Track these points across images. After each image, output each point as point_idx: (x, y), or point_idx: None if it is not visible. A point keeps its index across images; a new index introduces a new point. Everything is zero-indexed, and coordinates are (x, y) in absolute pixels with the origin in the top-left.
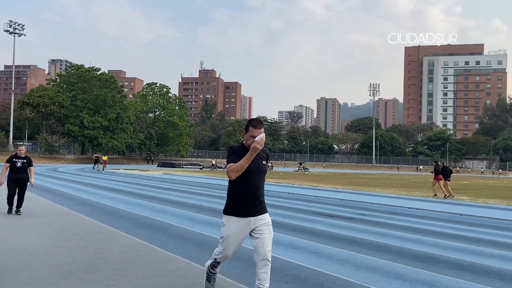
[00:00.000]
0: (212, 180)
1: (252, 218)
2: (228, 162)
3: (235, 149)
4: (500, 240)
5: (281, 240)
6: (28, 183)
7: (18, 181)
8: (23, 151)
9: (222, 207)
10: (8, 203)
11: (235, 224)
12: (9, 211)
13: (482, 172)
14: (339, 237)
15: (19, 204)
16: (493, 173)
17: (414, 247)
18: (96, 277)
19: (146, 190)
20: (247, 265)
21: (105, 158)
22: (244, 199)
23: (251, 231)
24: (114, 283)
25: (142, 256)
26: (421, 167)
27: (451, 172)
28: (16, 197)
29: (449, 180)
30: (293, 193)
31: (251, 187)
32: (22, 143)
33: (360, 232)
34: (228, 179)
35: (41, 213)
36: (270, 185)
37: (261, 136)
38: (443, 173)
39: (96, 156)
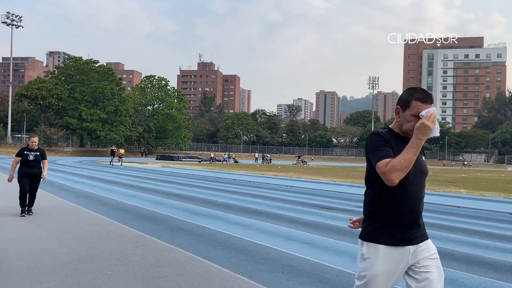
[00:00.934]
0: (210, 173)
1: (411, 248)
2: (377, 158)
3: (384, 136)
4: (495, 232)
5: (278, 232)
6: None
7: (30, 177)
8: (36, 143)
9: (220, 200)
10: (20, 203)
11: (385, 257)
12: (23, 213)
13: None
14: (336, 229)
15: (31, 203)
16: (463, 164)
17: None
18: (93, 266)
19: (144, 182)
20: (244, 256)
21: (122, 151)
22: (401, 217)
23: (408, 268)
24: (112, 272)
25: (139, 246)
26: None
27: None
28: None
29: None
30: (291, 186)
31: (410, 199)
32: (34, 134)
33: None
34: (368, 185)
35: (40, 204)
36: (268, 178)
37: (431, 110)
38: None
39: (111, 149)
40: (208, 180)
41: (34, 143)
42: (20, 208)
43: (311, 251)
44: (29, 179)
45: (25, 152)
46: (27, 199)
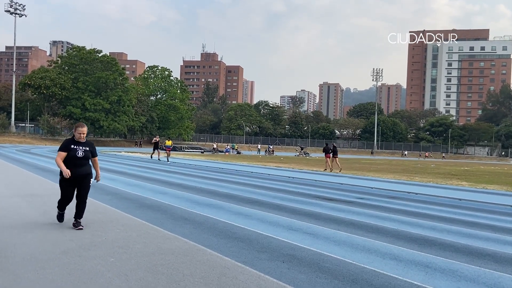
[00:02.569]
0: (213, 164)
1: None
2: None
3: None
4: (497, 224)
5: (279, 222)
6: (93, 179)
7: (78, 179)
8: (85, 135)
9: (222, 190)
10: (59, 206)
11: None
12: (60, 218)
13: (426, 155)
14: (337, 220)
15: (79, 214)
16: (420, 155)
17: (411, 230)
18: (96, 253)
19: (147, 172)
20: (245, 245)
21: (169, 142)
22: None
23: None
24: (114, 259)
25: (142, 235)
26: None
27: (337, 151)
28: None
29: (336, 157)
30: (293, 177)
31: None
32: (82, 122)
33: (358, 215)
34: None
35: (43, 193)
36: (270, 169)
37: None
38: (333, 152)
39: (155, 140)
40: (210, 171)
41: (82, 134)
42: (58, 212)
43: (312, 241)
44: (76, 182)
45: (73, 146)
46: (68, 203)
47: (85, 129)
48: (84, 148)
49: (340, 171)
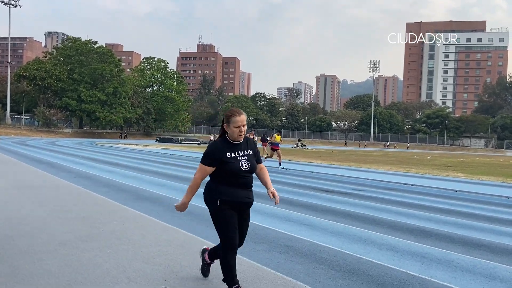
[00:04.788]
0: None
1: None
2: None
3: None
4: (492, 215)
5: (277, 213)
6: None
7: (242, 206)
8: (245, 127)
9: None
10: (225, 274)
11: None
12: (206, 271)
13: (387, 145)
14: (334, 211)
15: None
16: (385, 145)
17: (407, 221)
18: (93, 245)
19: (144, 164)
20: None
21: (278, 138)
22: None
23: None
24: (112, 251)
25: (139, 226)
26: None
27: (266, 140)
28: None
29: (265, 145)
30: (290, 169)
31: None
32: (240, 110)
33: (355, 207)
34: None
35: (41, 185)
36: (267, 161)
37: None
38: (262, 140)
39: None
40: None
41: (243, 127)
42: (204, 261)
43: (309, 232)
44: (236, 211)
45: (229, 155)
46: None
47: (244, 118)
48: (247, 153)
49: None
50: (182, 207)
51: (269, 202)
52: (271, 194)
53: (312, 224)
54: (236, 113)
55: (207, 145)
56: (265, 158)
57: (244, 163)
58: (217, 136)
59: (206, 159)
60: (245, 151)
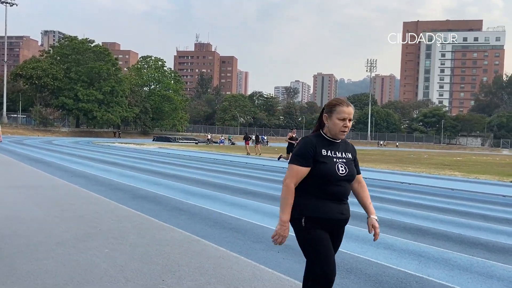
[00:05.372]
0: (207, 155)
1: None
2: None
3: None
4: (489, 214)
5: (275, 212)
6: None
7: (334, 225)
8: (351, 122)
9: (217, 181)
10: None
11: None
12: None
13: (381, 144)
14: None
15: None
16: (378, 144)
17: (404, 219)
18: (91, 245)
19: (141, 163)
20: (239, 235)
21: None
22: None
23: None
24: (109, 250)
25: (136, 225)
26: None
27: (259, 139)
28: None
29: (259, 144)
30: (287, 168)
31: None
32: (344, 99)
33: (352, 206)
34: None
35: (38, 184)
36: (264, 160)
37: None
38: (256, 140)
39: (291, 137)
40: (205, 162)
41: (349, 121)
42: None
43: None
44: (326, 230)
45: (324, 152)
46: None
47: (352, 111)
48: (345, 155)
49: (248, 154)
50: (284, 231)
51: (267, 202)
52: (370, 226)
53: None
54: (344, 102)
55: (203, 143)
56: (282, 158)
57: (341, 166)
58: (210, 135)
59: (299, 158)
60: (343, 153)
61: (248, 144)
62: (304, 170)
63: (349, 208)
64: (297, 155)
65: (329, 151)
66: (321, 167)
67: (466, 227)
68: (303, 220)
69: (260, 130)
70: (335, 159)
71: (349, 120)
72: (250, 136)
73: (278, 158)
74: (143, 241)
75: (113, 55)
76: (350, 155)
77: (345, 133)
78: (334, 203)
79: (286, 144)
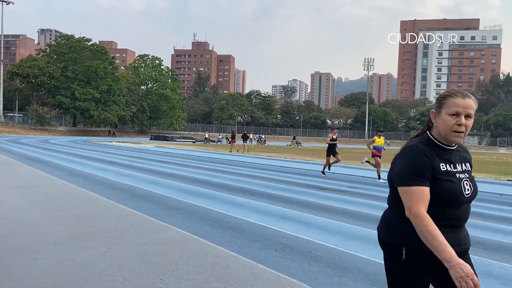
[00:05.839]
0: (204, 153)
1: None
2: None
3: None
4: (486, 212)
5: (272, 211)
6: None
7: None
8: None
9: (214, 180)
10: None
11: None
12: None
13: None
14: (329, 209)
15: None
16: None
17: None
18: (88, 244)
19: (138, 162)
20: (238, 234)
21: (380, 141)
22: None
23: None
24: (106, 249)
25: (134, 225)
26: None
27: (247, 137)
28: None
29: (246, 142)
30: (285, 167)
31: None
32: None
33: (350, 204)
34: None
35: (35, 183)
36: (262, 159)
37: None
38: (243, 138)
39: (332, 138)
40: (202, 161)
41: (465, 121)
42: None
43: (304, 229)
44: (434, 267)
45: (443, 168)
46: None
47: (471, 104)
48: (465, 168)
49: (237, 151)
50: (465, 268)
51: (264, 201)
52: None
53: (307, 221)
54: (458, 93)
55: (201, 142)
56: (331, 164)
57: (467, 184)
58: (208, 133)
59: (414, 177)
60: (463, 165)
61: (234, 142)
62: (427, 191)
63: (468, 234)
64: (411, 173)
65: (447, 164)
66: (441, 187)
67: None
68: (404, 251)
69: (258, 129)
70: (457, 175)
71: (467, 116)
72: (248, 135)
73: (363, 162)
74: (141, 240)
75: (110, 54)
76: (469, 166)
77: (461, 135)
78: (451, 231)
79: (285, 144)
